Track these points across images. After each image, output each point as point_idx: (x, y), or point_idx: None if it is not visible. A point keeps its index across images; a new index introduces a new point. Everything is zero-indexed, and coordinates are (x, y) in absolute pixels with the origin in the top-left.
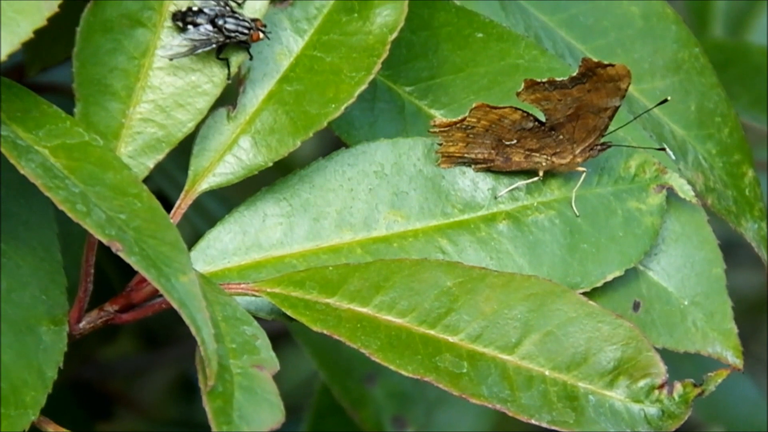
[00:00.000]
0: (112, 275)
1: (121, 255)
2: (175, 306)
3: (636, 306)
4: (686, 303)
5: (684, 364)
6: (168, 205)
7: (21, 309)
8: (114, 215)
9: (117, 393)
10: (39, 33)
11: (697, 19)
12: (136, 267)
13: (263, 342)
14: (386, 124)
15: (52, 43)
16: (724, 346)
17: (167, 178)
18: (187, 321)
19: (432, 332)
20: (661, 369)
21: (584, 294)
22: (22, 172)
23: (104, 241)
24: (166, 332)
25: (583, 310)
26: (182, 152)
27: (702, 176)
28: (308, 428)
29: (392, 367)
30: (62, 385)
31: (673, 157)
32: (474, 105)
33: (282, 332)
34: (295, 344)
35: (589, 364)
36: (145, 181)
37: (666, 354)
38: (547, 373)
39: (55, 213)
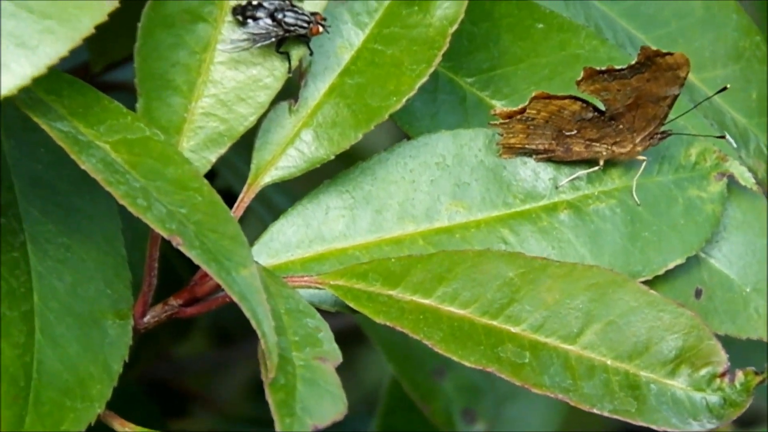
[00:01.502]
0: (180, 269)
1: (182, 249)
2: (235, 299)
3: (698, 293)
4: (748, 290)
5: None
6: (234, 198)
7: (86, 303)
8: (175, 209)
9: (191, 390)
10: (102, 30)
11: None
12: (196, 261)
13: (326, 334)
14: (448, 115)
15: (116, 39)
16: None
17: (233, 171)
18: (248, 314)
19: (494, 323)
20: (722, 357)
21: (646, 282)
22: (82, 167)
23: (165, 235)
24: (241, 329)
25: (644, 299)
26: (248, 146)
27: (764, 164)
28: (379, 422)
29: (455, 358)
30: (135, 381)
31: (735, 145)
32: (533, 94)
33: (355, 329)
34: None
35: (651, 353)
36: (212, 174)
37: (729, 341)
38: (609, 362)
39: (119, 208)
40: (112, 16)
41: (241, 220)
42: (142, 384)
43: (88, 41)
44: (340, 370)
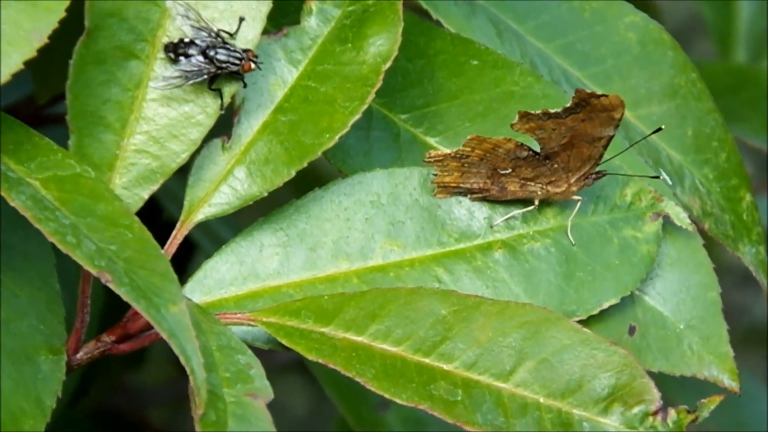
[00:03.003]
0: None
1: (111, 286)
2: (164, 336)
3: (632, 330)
4: (682, 327)
5: (680, 389)
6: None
7: (19, 338)
8: (104, 246)
9: (151, 423)
10: (46, 62)
11: (721, 43)
12: (125, 298)
13: (257, 371)
14: (382, 152)
15: (60, 72)
16: (720, 370)
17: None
18: (177, 351)
19: (427, 360)
20: (655, 395)
21: (580, 321)
22: (12, 204)
23: (94, 272)
24: None
25: (577, 337)
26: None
27: (699, 201)
28: None
29: (387, 396)
30: (88, 415)
31: (670, 183)
32: (468, 137)
33: (298, 362)
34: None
35: (584, 391)
36: (158, 209)
37: (661, 378)
38: (541, 400)
39: (52, 244)
40: (56, 49)
41: (182, 255)
42: (96, 417)
43: (33, 74)
44: (272, 405)
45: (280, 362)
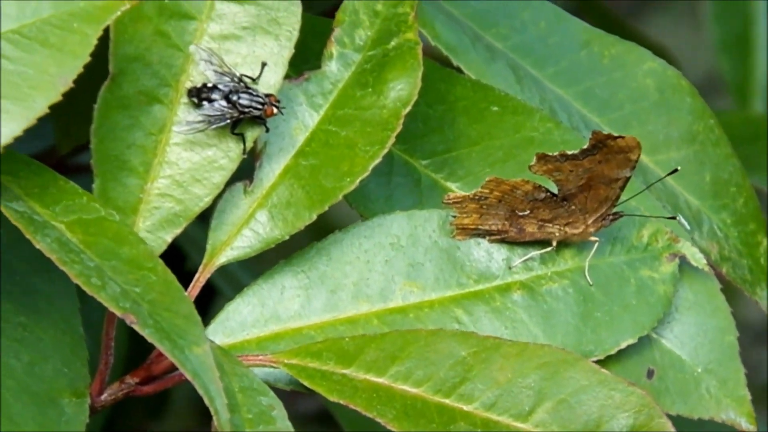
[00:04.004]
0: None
1: (136, 327)
2: (189, 377)
3: (650, 373)
4: (699, 370)
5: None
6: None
7: (43, 381)
8: (129, 288)
9: None
10: (67, 112)
11: (738, 94)
12: (150, 339)
13: (279, 412)
14: (402, 197)
15: (82, 122)
16: (738, 413)
17: (193, 243)
18: (201, 391)
19: (447, 401)
20: None
21: (598, 362)
22: (37, 246)
23: (119, 313)
24: None
25: (595, 378)
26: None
27: (717, 245)
28: None
29: None
30: None
31: (688, 227)
32: (487, 179)
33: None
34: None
35: (602, 431)
36: (181, 256)
37: (679, 421)
38: None
39: (76, 287)
40: (77, 98)
41: (204, 298)
42: None
43: (55, 124)
44: None
45: (303, 411)
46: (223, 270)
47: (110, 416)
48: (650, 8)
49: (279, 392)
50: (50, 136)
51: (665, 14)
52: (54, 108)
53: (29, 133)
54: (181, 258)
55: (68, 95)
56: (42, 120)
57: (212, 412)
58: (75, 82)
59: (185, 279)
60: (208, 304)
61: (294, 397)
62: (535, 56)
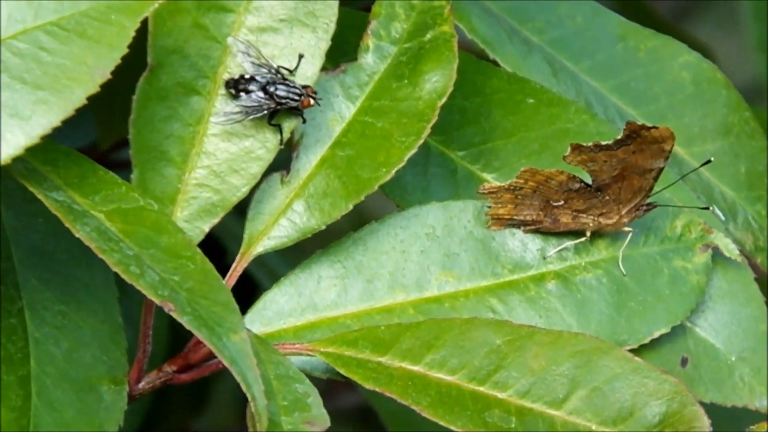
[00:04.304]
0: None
1: (174, 315)
2: (226, 363)
3: (684, 362)
4: (733, 358)
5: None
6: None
7: (82, 368)
8: (167, 277)
9: None
10: (108, 108)
11: None
12: (188, 326)
13: (315, 399)
14: (439, 188)
15: (123, 118)
16: None
17: (230, 235)
18: (238, 378)
19: (481, 389)
20: (705, 423)
21: (632, 350)
22: (77, 235)
23: (157, 301)
24: None
25: (628, 366)
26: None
27: (752, 236)
28: None
29: (442, 423)
30: None
31: (723, 218)
32: (521, 169)
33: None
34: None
35: (635, 418)
36: (221, 250)
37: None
38: (594, 427)
39: (115, 276)
40: (118, 93)
41: (241, 288)
42: None
43: (96, 119)
44: None
45: (344, 408)
46: (260, 260)
47: (151, 412)
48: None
49: (320, 387)
50: (92, 131)
51: (707, 20)
52: (95, 102)
53: (71, 128)
54: (220, 251)
55: (109, 89)
56: (84, 115)
57: (249, 398)
58: (115, 76)
59: (224, 271)
60: (246, 293)
61: (335, 393)
62: (571, 50)
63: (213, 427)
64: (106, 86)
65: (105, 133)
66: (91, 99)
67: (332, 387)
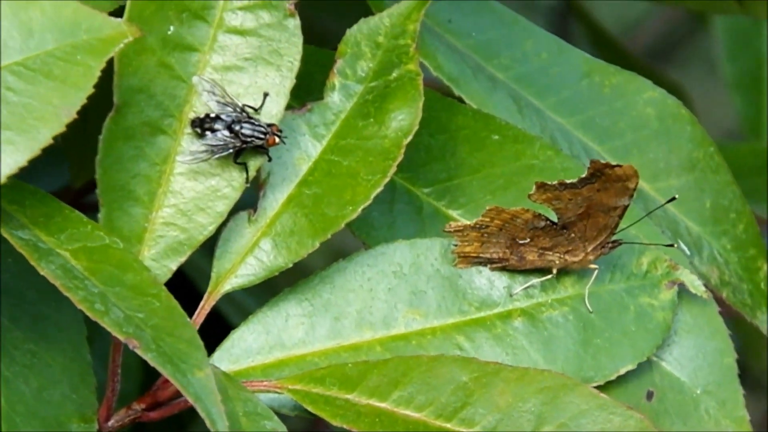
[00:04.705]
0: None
1: (138, 352)
2: (191, 400)
3: (649, 395)
4: (699, 392)
5: None
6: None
7: (52, 407)
8: (132, 314)
9: None
10: (80, 147)
11: (751, 129)
12: (152, 363)
13: None
14: (405, 224)
15: (95, 156)
16: None
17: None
18: (203, 414)
19: (448, 425)
20: None
21: (598, 386)
22: (42, 273)
23: (121, 338)
24: None
25: (594, 402)
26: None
27: (717, 270)
28: None
29: None
30: None
31: (688, 252)
32: (487, 207)
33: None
34: None
35: None
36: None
37: None
38: None
39: (84, 315)
40: (90, 132)
41: (212, 325)
42: None
43: (68, 158)
44: None
45: None
46: (229, 297)
47: None
48: (667, 55)
49: (297, 423)
50: (65, 175)
51: (683, 61)
52: (67, 142)
53: (46, 168)
54: (190, 288)
55: (80, 129)
56: (58, 158)
57: None
58: (86, 115)
59: (194, 308)
60: (217, 330)
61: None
62: (536, 86)
63: None
64: (78, 126)
65: (78, 172)
66: (63, 138)
67: (318, 421)
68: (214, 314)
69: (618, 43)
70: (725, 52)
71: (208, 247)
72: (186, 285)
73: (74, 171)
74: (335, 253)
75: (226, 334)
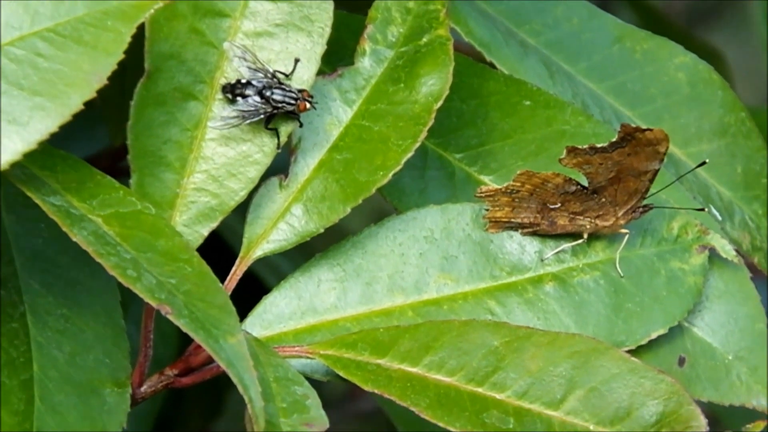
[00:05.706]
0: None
1: (171, 318)
2: (223, 366)
3: (681, 361)
4: (730, 357)
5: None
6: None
7: (85, 372)
8: (164, 280)
9: None
10: (118, 108)
11: None
12: (185, 329)
13: (313, 401)
14: (436, 190)
15: None
16: None
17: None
18: (235, 380)
19: (479, 390)
20: (701, 422)
21: (629, 351)
22: (74, 239)
23: (154, 304)
24: None
25: (625, 366)
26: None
27: (749, 236)
28: None
29: (441, 424)
30: None
31: (719, 218)
32: (518, 172)
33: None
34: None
35: (633, 418)
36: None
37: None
38: (591, 427)
39: (117, 281)
40: (128, 93)
41: (244, 289)
42: None
43: (106, 120)
44: None
45: (360, 411)
46: (265, 260)
47: (165, 415)
48: (705, 19)
49: (341, 389)
50: (105, 139)
51: (721, 24)
52: (104, 103)
53: (83, 134)
54: (227, 251)
55: (117, 90)
56: (97, 122)
57: (246, 400)
58: (123, 76)
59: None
60: (252, 293)
61: (357, 394)
62: (567, 52)
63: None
64: (115, 87)
65: (116, 133)
66: (102, 99)
67: (354, 388)
68: (250, 277)
69: (656, 6)
70: (764, 16)
71: (243, 211)
72: (222, 247)
73: (113, 132)
74: (376, 217)
75: (261, 296)
